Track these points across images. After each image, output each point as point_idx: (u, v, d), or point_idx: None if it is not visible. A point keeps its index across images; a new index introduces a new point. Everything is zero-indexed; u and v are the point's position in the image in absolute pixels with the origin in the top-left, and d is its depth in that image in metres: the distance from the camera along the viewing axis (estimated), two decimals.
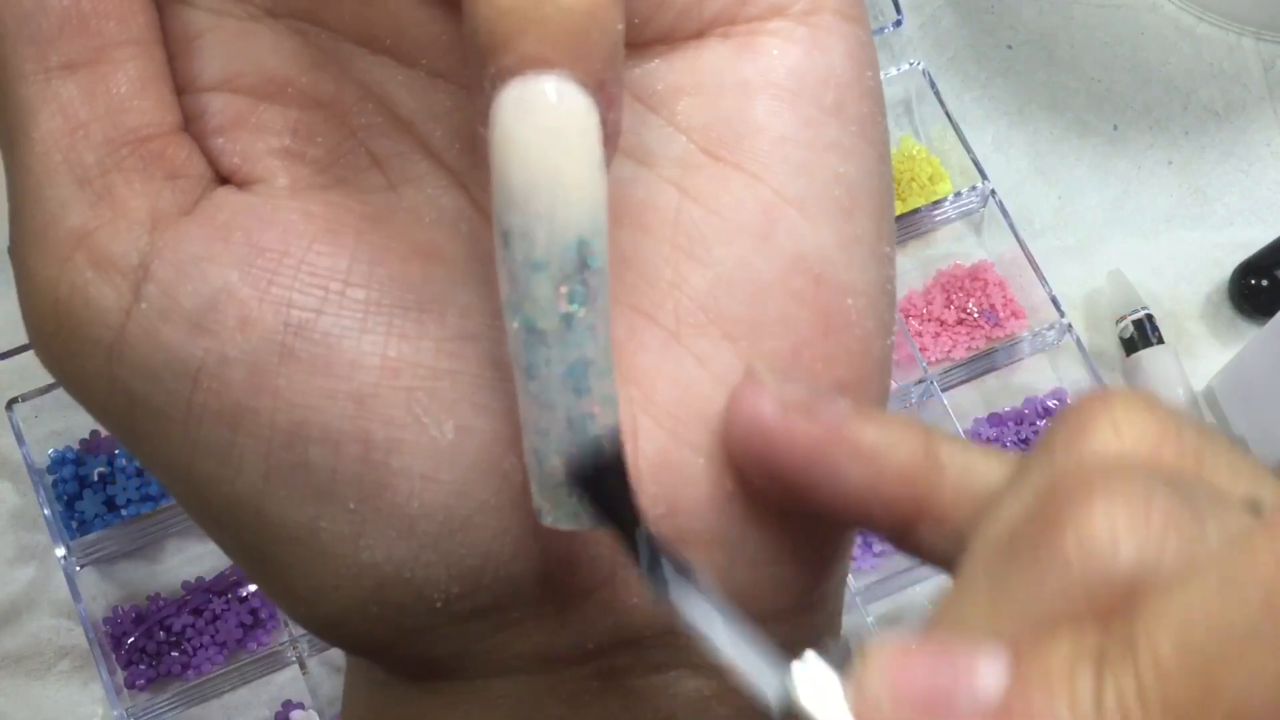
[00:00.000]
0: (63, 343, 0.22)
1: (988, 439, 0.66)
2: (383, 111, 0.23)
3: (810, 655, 0.18)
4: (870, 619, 0.62)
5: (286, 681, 0.62)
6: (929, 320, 0.69)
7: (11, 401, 0.62)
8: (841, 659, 0.18)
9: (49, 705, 0.60)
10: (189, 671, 0.61)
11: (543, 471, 0.20)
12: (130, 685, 0.60)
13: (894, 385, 0.67)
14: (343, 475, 0.21)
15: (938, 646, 0.18)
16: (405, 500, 0.21)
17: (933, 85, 0.71)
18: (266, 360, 0.21)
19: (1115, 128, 0.74)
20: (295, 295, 0.21)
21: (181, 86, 0.22)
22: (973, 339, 0.68)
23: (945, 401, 0.65)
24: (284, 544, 0.22)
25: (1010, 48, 0.75)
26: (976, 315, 0.69)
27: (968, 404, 0.68)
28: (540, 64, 0.18)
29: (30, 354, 0.66)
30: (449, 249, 0.23)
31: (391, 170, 0.23)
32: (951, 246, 0.71)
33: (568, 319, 0.19)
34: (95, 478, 0.62)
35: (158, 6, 0.22)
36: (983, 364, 0.68)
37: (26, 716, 0.60)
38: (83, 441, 0.63)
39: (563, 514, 0.21)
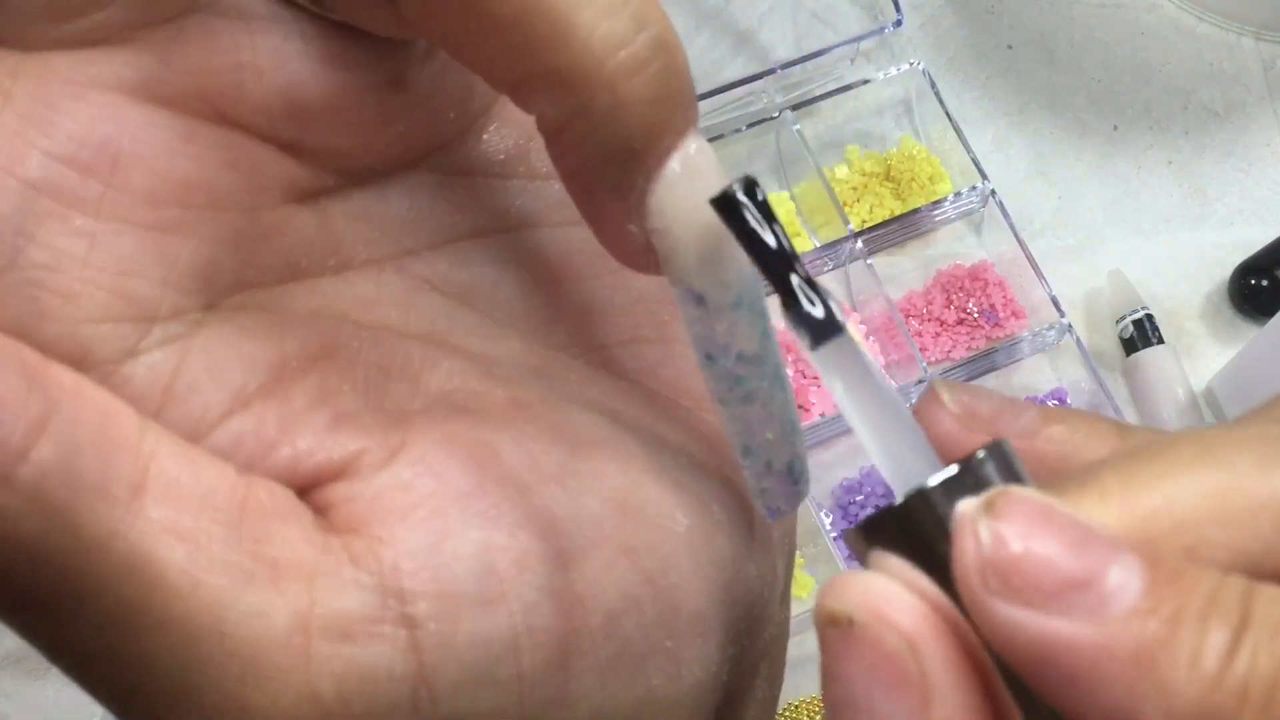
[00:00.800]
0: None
1: None
2: (347, 331, 0.22)
3: (953, 469, 0.18)
4: None
5: None
6: (929, 320, 0.69)
7: None
8: (991, 476, 0.18)
9: (49, 705, 0.60)
10: None
11: (773, 474, 0.22)
12: None
13: (894, 385, 0.67)
14: (648, 624, 0.21)
15: (1079, 528, 0.17)
16: (694, 597, 0.22)
17: (933, 85, 0.71)
18: (556, 579, 0.20)
19: (1115, 128, 0.74)
20: (511, 516, 0.20)
21: (203, 431, 0.20)
22: (973, 339, 0.68)
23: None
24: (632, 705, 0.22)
25: (1010, 48, 0.75)
26: (976, 315, 0.69)
27: None
28: (685, 133, 0.19)
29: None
30: (524, 395, 0.22)
31: (399, 374, 0.22)
32: (951, 246, 0.71)
33: (765, 333, 0.20)
34: None
35: (112, 366, 0.20)
36: (983, 364, 0.68)
37: (26, 716, 0.60)
38: None
39: (790, 505, 0.22)
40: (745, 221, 0.19)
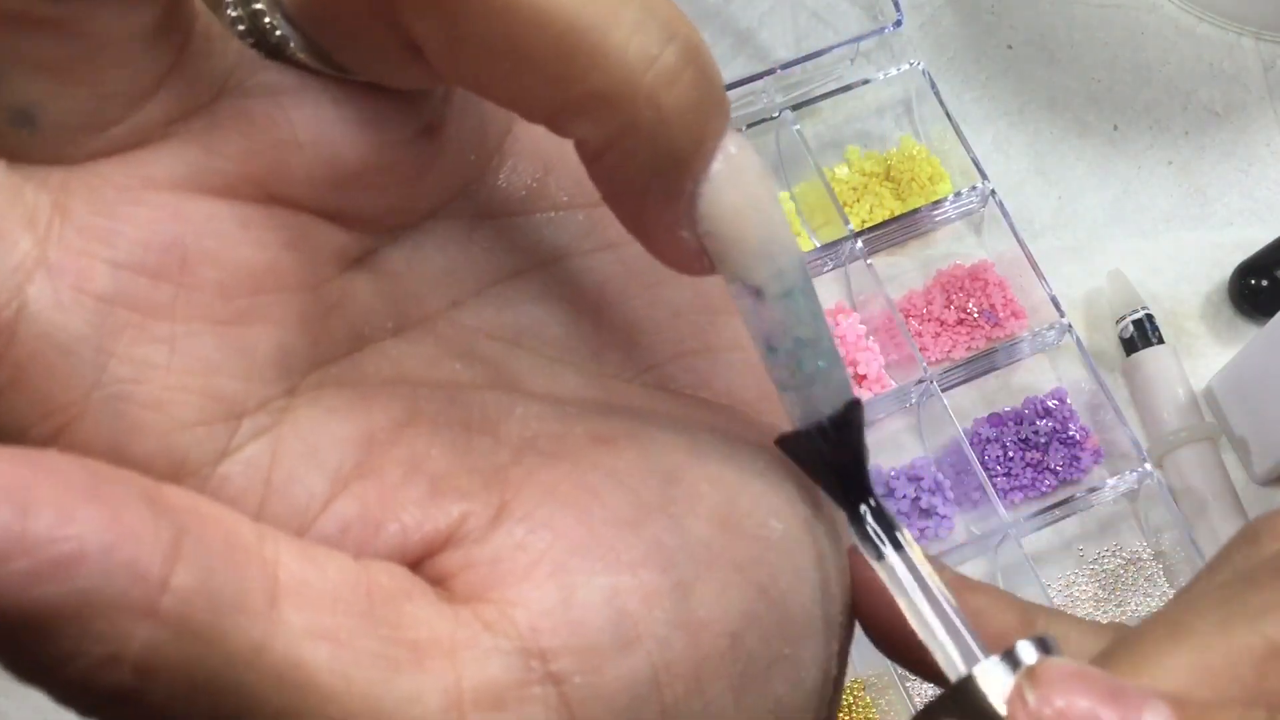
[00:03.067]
0: None
1: (987, 439, 0.66)
2: (418, 394, 0.22)
3: (998, 658, 0.20)
4: None
5: None
6: (929, 320, 0.69)
7: None
8: (1032, 657, 0.21)
9: (49, 705, 0.60)
10: None
11: (808, 375, 0.22)
12: None
13: (894, 385, 0.67)
14: (768, 635, 0.22)
15: (1112, 682, 0.19)
16: (802, 600, 0.22)
17: (933, 85, 0.71)
18: (681, 609, 0.20)
19: (1115, 128, 0.74)
20: (628, 555, 0.21)
21: (309, 520, 0.20)
22: (973, 339, 0.68)
23: (945, 401, 0.65)
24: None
25: (1010, 48, 0.75)
26: (976, 315, 0.69)
27: (968, 404, 0.68)
28: (723, 132, 0.20)
29: None
30: (601, 430, 0.22)
31: (478, 427, 0.22)
32: (951, 246, 0.71)
33: (816, 314, 0.22)
34: None
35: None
36: (983, 364, 0.68)
37: (27, 716, 0.60)
38: None
39: (831, 398, 0.23)
40: (823, 456, 0.22)
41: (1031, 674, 0.20)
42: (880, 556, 0.22)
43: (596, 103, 0.19)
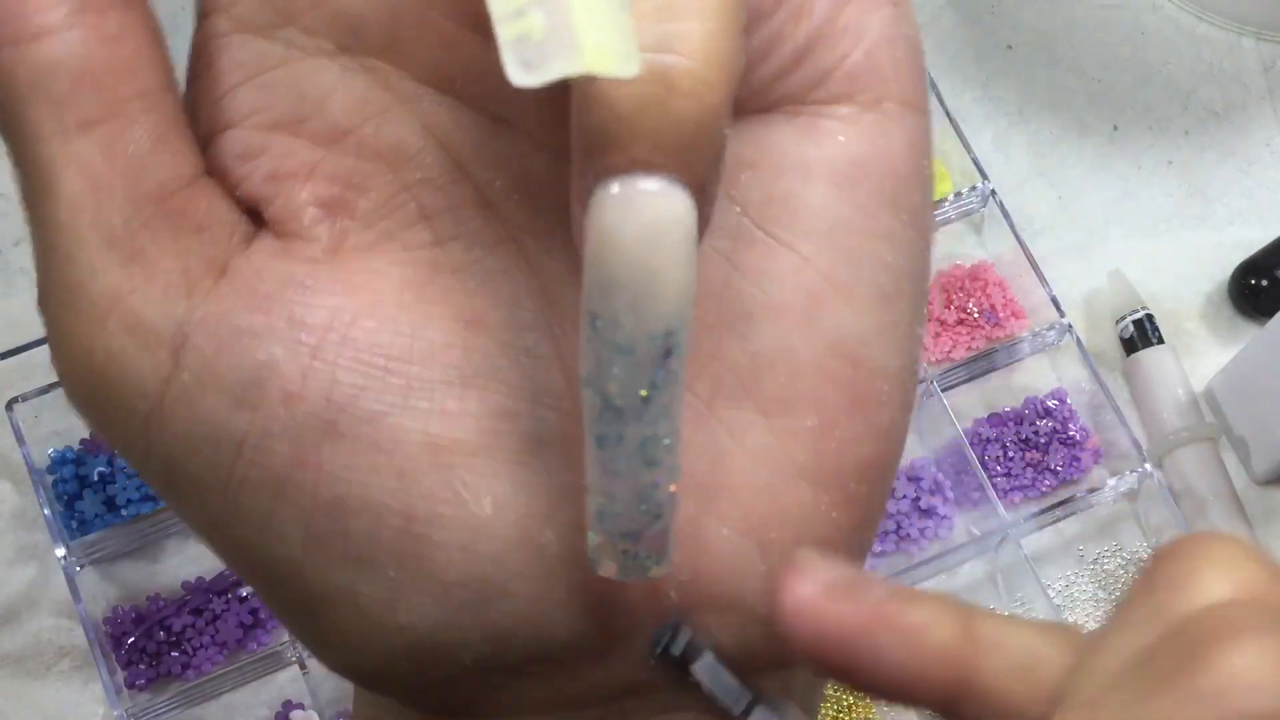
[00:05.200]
0: (99, 407, 0.22)
1: (987, 439, 0.66)
2: (442, 161, 0.23)
3: None
4: None
5: (286, 681, 0.62)
6: (929, 320, 0.69)
7: (11, 401, 0.62)
8: None
9: (49, 705, 0.60)
10: (189, 671, 0.61)
11: (604, 530, 0.21)
12: (130, 685, 0.60)
13: None
14: (383, 545, 0.22)
15: None
16: (443, 570, 0.22)
17: (933, 85, 0.71)
18: (310, 435, 0.22)
19: (1115, 128, 0.74)
20: (339, 372, 0.22)
21: (236, 121, 0.22)
22: (973, 339, 0.68)
23: (945, 401, 0.65)
24: (321, 604, 0.23)
25: (1010, 48, 0.75)
26: (976, 315, 0.69)
27: (968, 404, 0.68)
28: (649, 167, 0.19)
29: (30, 354, 0.66)
30: (492, 318, 0.23)
31: (439, 226, 0.23)
32: (951, 246, 0.71)
33: (646, 400, 0.20)
34: (95, 478, 0.62)
35: (230, 35, 0.22)
36: (983, 364, 0.68)
37: (26, 716, 0.60)
38: (83, 441, 0.63)
39: (618, 569, 0.22)
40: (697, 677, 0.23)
41: None
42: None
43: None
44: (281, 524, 0.22)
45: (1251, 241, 0.70)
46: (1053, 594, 0.65)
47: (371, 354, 0.22)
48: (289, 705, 0.61)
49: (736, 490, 0.23)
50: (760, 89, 0.23)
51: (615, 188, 0.19)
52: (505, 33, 0.18)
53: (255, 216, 0.23)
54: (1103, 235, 0.72)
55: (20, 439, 0.61)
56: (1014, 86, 0.74)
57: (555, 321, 0.23)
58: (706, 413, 0.23)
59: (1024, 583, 0.64)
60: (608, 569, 0.22)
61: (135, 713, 0.58)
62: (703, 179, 0.19)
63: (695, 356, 0.23)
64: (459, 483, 0.22)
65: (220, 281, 0.22)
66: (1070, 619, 0.65)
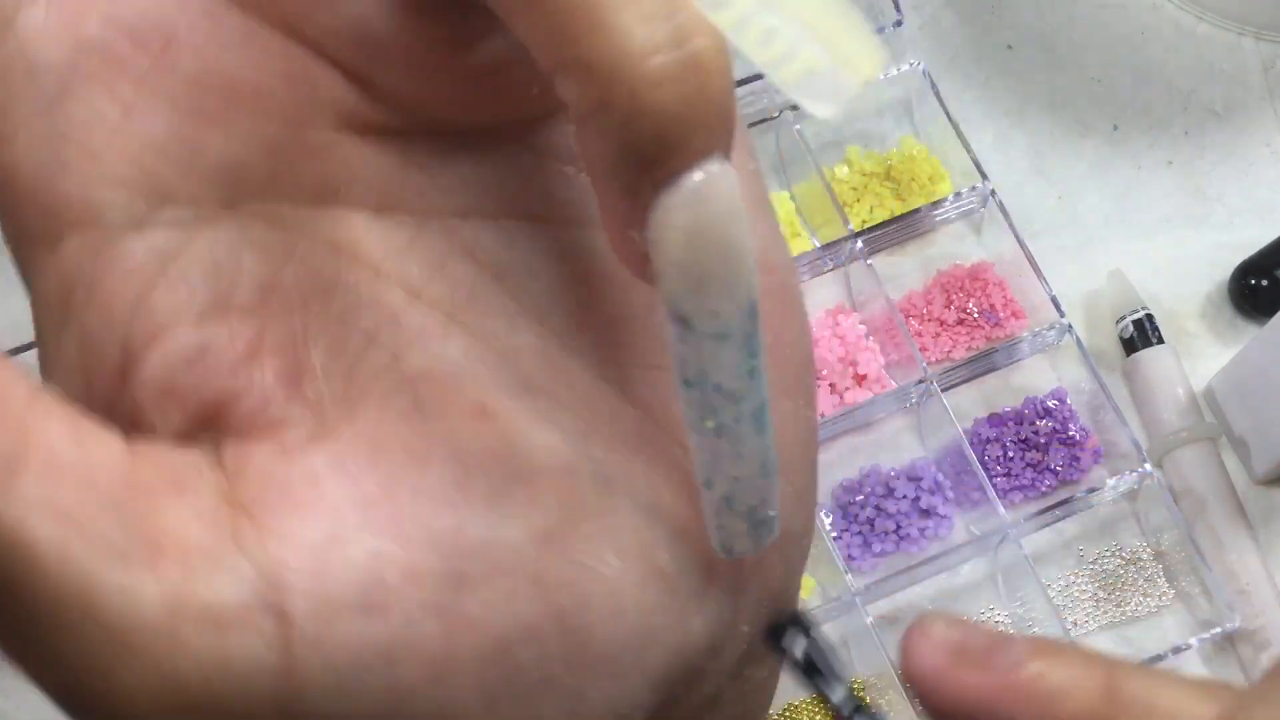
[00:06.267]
0: None
1: (987, 439, 0.66)
2: (373, 280, 0.22)
3: None
4: (870, 619, 0.62)
5: None
6: (929, 320, 0.69)
7: None
8: None
9: (49, 705, 0.60)
10: None
11: (733, 513, 0.22)
12: None
13: (894, 385, 0.67)
14: (551, 656, 0.21)
15: None
16: (606, 643, 0.22)
17: (933, 85, 0.71)
18: (445, 596, 0.20)
19: (1115, 128, 0.74)
20: (415, 530, 0.20)
21: (160, 329, 0.20)
22: (973, 339, 0.68)
23: (945, 401, 0.65)
24: None
25: (1010, 48, 0.75)
26: (976, 315, 0.69)
27: (968, 404, 0.68)
28: (704, 156, 0.19)
29: (30, 354, 0.66)
30: (496, 403, 0.22)
31: (387, 340, 0.22)
32: (951, 246, 0.71)
33: (752, 371, 0.20)
34: None
35: (107, 244, 0.20)
36: (983, 364, 0.68)
37: (26, 716, 0.60)
38: None
39: (752, 543, 0.22)
40: (817, 671, 0.21)
41: None
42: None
43: (584, 69, 0.18)
44: (456, 696, 0.20)
45: (1251, 241, 0.70)
46: (1053, 594, 0.65)
47: (439, 497, 0.21)
48: None
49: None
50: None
51: (684, 187, 0.19)
52: (786, 76, 0.19)
53: (208, 425, 0.20)
54: (1103, 235, 0.72)
55: None
56: (1014, 86, 0.74)
57: (559, 381, 0.23)
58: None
59: (1024, 583, 0.64)
60: (743, 548, 0.22)
61: None
62: (730, 145, 0.19)
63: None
64: (582, 557, 0.21)
65: (256, 518, 0.20)
66: (1070, 619, 0.65)
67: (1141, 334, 0.68)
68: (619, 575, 0.21)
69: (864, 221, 0.71)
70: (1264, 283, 0.69)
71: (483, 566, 0.20)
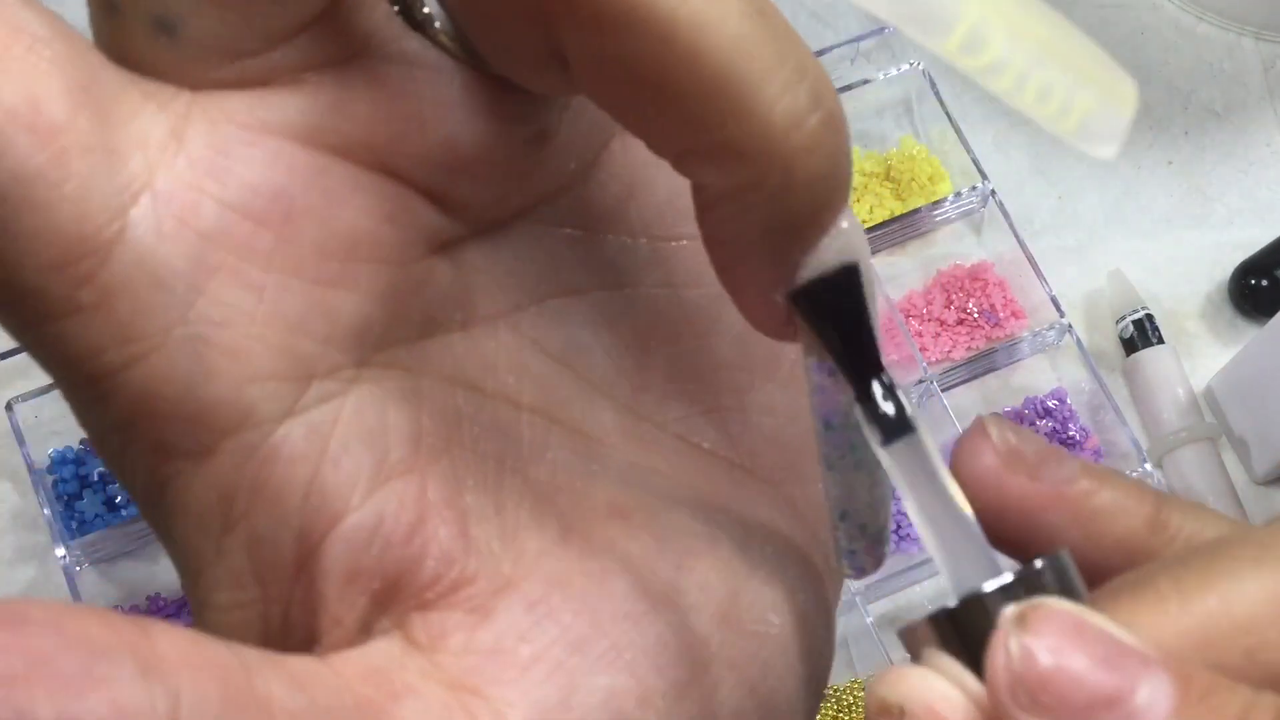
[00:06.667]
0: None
1: None
2: (474, 401, 0.22)
3: (1008, 576, 0.19)
4: (870, 619, 0.62)
5: None
6: (929, 320, 0.69)
7: (11, 402, 0.62)
8: (1045, 587, 0.18)
9: None
10: None
11: (864, 540, 0.22)
12: None
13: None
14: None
15: (1111, 641, 0.17)
16: (788, 693, 0.22)
17: (933, 85, 0.71)
18: (678, 710, 0.20)
19: None
20: (629, 654, 0.20)
21: (340, 503, 0.20)
22: (973, 339, 0.68)
23: (945, 401, 0.65)
24: None
25: None
26: (976, 315, 0.69)
27: (968, 404, 0.68)
28: (843, 208, 0.19)
29: (21, 356, 0.66)
30: (623, 496, 0.22)
31: (512, 462, 0.22)
32: (951, 246, 0.71)
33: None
34: (95, 478, 0.62)
35: (271, 436, 0.20)
36: (983, 364, 0.68)
37: None
38: (83, 441, 0.63)
39: (875, 562, 0.23)
40: (847, 311, 0.20)
41: (1022, 618, 0.17)
42: (887, 442, 0.20)
43: (728, 153, 0.18)
44: None
45: (1251, 241, 0.70)
46: None
47: (595, 619, 0.21)
48: None
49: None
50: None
51: (836, 235, 0.19)
52: (1068, 127, 0.20)
53: (392, 603, 0.20)
54: (1103, 235, 0.72)
55: (20, 439, 0.61)
56: None
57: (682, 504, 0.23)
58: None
59: None
60: (871, 567, 0.22)
61: None
62: None
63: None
64: (750, 628, 0.22)
65: (482, 693, 0.19)
66: None
67: (1141, 334, 0.68)
68: (781, 632, 0.22)
69: (864, 221, 0.71)
70: (1264, 283, 0.69)
71: (691, 668, 0.21)
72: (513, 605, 0.20)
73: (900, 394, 0.20)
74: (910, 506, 0.20)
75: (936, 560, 0.20)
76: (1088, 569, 0.20)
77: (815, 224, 0.19)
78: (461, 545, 0.20)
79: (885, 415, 0.20)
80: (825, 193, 0.19)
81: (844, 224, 0.19)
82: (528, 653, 0.20)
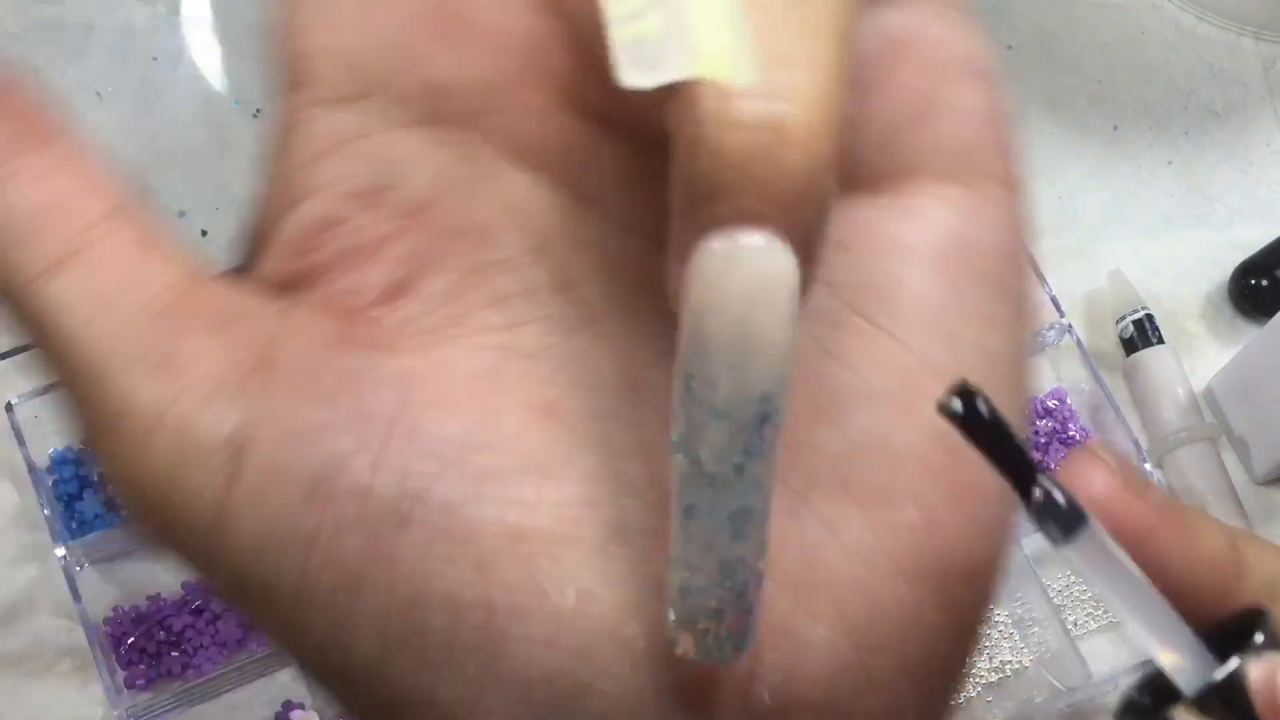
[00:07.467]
0: (158, 527, 0.21)
1: None
2: (521, 241, 0.22)
3: (1259, 638, 0.21)
4: None
5: (286, 681, 0.62)
6: None
7: (11, 402, 0.62)
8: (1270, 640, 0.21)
9: (49, 705, 0.60)
10: (189, 671, 0.61)
11: (686, 606, 0.20)
12: (130, 685, 0.60)
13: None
14: (463, 642, 0.21)
15: None
16: (525, 666, 0.21)
17: None
18: (384, 528, 0.21)
19: (1115, 128, 0.74)
20: (410, 463, 0.21)
21: (317, 190, 0.22)
22: None
23: None
24: (400, 708, 0.21)
25: (1010, 48, 0.75)
26: None
27: None
28: (754, 220, 0.18)
29: (30, 354, 0.66)
30: (568, 406, 0.22)
31: (514, 309, 0.22)
32: None
33: (739, 468, 0.19)
34: (95, 478, 0.62)
35: (314, 106, 0.22)
36: None
37: (26, 716, 0.60)
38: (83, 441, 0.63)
39: (696, 648, 0.21)
40: (988, 435, 0.20)
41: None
42: (1070, 538, 0.20)
43: (687, 92, 0.18)
44: (357, 623, 0.21)
45: (1251, 241, 0.70)
46: (1053, 594, 0.65)
47: (443, 445, 0.21)
48: (289, 705, 0.61)
49: (832, 587, 0.22)
50: (856, 166, 0.22)
51: (718, 242, 0.18)
52: (620, 34, 0.18)
53: (296, 287, 0.22)
54: (1103, 235, 0.72)
55: (20, 439, 0.61)
56: (1014, 86, 0.74)
57: (638, 410, 0.22)
58: (801, 505, 0.22)
59: (1024, 583, 0.64)
60: (685, 647, 0.20)
61: (135, 713, 0.58)
62: (808, 237, 0.18)
63: (789, 446, 0.21)
64: (540, 573, 0.21)
65: (273, 376, 0.21)
66: (1070, 619, 0.65)
67: (1141, 334, 0.68)
68: (570, 614, 0.21)
69: None
70: (1264, 283, 0.69)
71: (433, 525, 0.21)
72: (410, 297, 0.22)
73: (1065, 493, 0.20)
74: (1106, 594, 0.21)
75: (1138, 636, 0.21)
76: (1186, 588, 0.22)
77: (706, 203, 0.18)
78: (377, 297, 0.22)
79: (1058, 509, 0.20)
80: (725, 178, 0.17)
81: (751, 242, 0.18)
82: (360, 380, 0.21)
